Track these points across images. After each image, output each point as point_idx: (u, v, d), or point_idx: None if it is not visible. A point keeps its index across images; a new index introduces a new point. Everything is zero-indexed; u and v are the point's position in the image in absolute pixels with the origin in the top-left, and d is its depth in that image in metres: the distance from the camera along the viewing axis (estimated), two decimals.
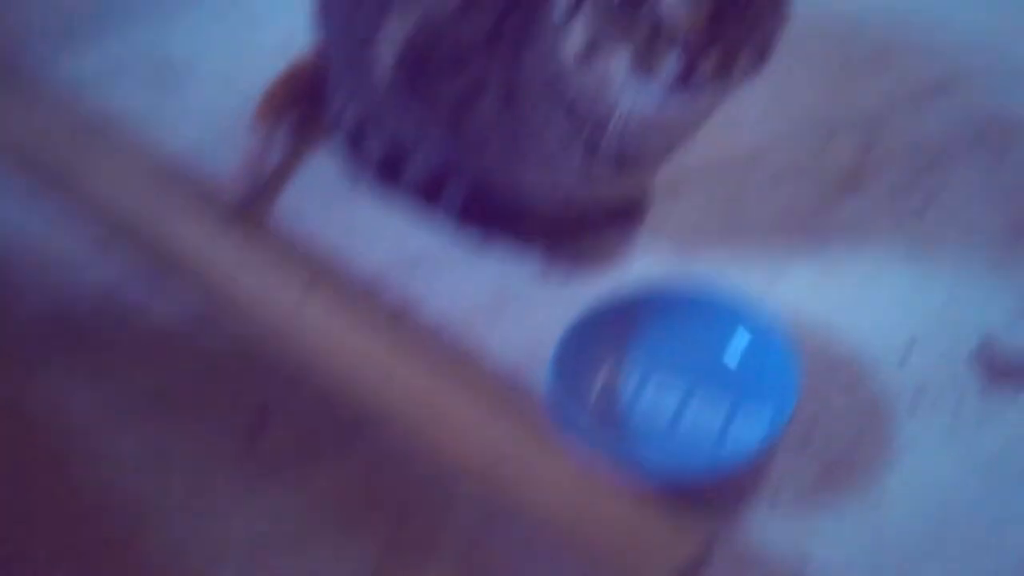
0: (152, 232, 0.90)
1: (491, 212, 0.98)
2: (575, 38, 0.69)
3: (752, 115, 1.04)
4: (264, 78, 1.14)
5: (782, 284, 0.93)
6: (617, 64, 0.68)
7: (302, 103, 1.10)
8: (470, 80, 0.82)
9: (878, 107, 1.09)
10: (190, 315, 0.92)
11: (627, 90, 0.69)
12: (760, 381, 0.83)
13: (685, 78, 0.65)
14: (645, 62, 0.66)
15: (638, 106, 0.70)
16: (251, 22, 1.30)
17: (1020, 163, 1.02)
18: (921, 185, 1.01)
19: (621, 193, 0.95)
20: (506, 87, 0.80)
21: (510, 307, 0.93)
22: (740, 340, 0.85)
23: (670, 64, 0.65)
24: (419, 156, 1.00)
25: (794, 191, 1.01)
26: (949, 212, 0.98)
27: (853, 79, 1.13)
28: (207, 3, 1.34)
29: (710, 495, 0.78)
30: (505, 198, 0.95)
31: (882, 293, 0.92)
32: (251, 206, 1.03)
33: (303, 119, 1.10)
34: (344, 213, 1.03)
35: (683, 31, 0.64)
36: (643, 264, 0.96)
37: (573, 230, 0.97)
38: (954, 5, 1.20)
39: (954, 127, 1.06)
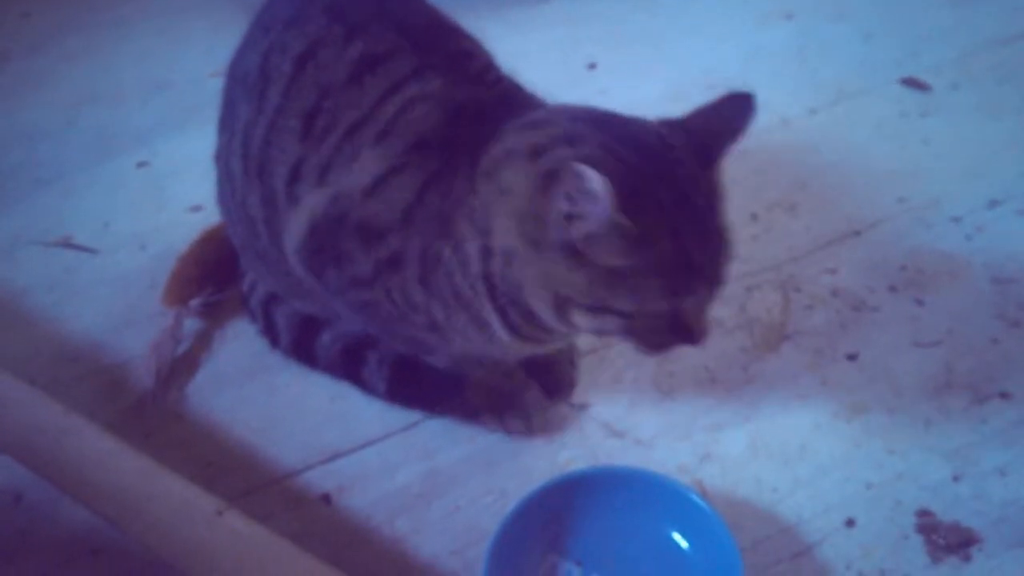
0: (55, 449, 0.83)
1: (420, 384, 0.94)
2: (585, 322, 0.71)
3: None
4: (174, 240, 1.11)
5: (716, 456, 0.91)
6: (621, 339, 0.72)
7: (211, 281, 1.06)
8: (389, 254, 0.78)
9: (793, 257, 1.10)
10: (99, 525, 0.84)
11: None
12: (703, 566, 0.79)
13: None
14: (655, 350, 0.72)
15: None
16: (159, 184, 1.29)
17: (938, 309, 1.03)
18: (845, 337, 1.01)
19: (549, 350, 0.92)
20: (424, 264, 0.77)
21: (440, 497, 0.88)
22: (677, 528, 0.83)
23: (681, 350, 0.72)
24: (332, 332, 0.97)
25: (721, 350, 1.00)
26: (875, 365, 0.98)
27: (768, 230, 1.14)
28: (111, 168, 1.32)
29: None
30: (433, 369, 0.92)
31: (815, 465, 0.90)
32: (162, 393, 0.99)
33: (213, 298, 1.06)
34: (260, 397, 0.98)
35: (699, 337, 0.71)
36: (576, 439, 0.93)
37: (508, 396, 0.93)
38: (855, 154, 1.24)
39: (870, 273, 1.08)
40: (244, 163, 0.85)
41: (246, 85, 0.85)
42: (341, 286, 0.83)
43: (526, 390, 0.95)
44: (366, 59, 0.79)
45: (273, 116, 0.82)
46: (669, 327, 0.70)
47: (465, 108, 0.76)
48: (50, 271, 1.15)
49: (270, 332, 1.01)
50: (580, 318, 0.70)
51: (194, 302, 1.03)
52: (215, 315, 1.06)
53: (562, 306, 0.70)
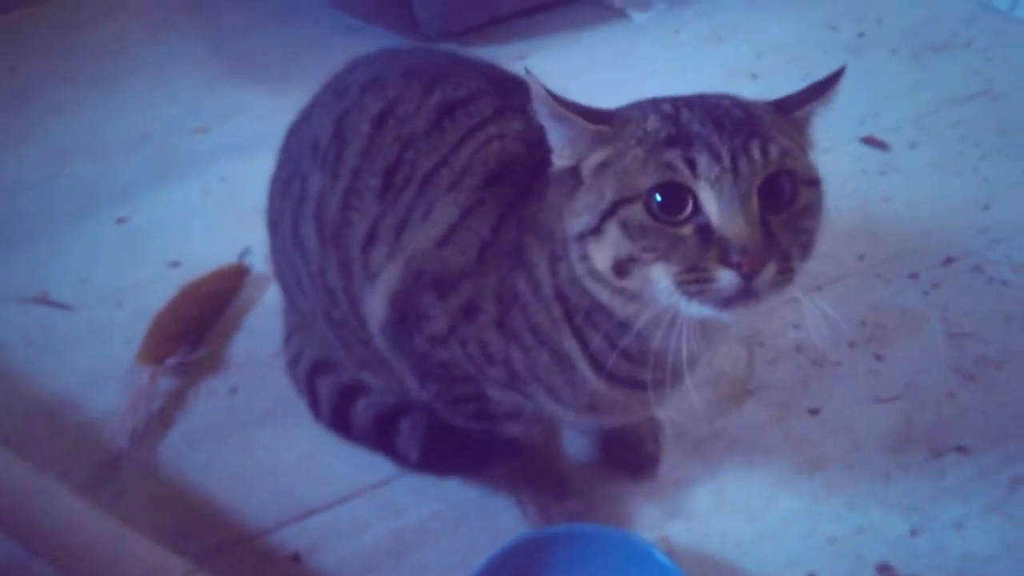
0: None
1: (456, 449, 0.91)
2: (604, 254, 0.63)
3: None
4: (151, 296, 1.13)
5: (682, 511, 0.93)
6: (657, 279, 0.62)
7: (187, 340, 1.08)
8: (463, 302, 0.75)
9: (757, 313, 1.12)
10: None
11: (671, 303, 0.62)
12: None
13: (745, 293, 0.60)
14: (696, 280, 0.60)
15: (686, 317, 0.63)
16: (138, 240, 1.31)
17: (897, 364, 1.06)
18: (808, 391, 1.04)
19: (632, 420, 0.88)
20: (500, 304, 0.74)
21: (409, 555, 0.89)
22: None
23: (727, 281, 0.59)
24: (366, 400, 0.94)
25: (688, 405, 1.02)
26: (837, 419, 1.00)
27: None
28: (91, 223, 1.34)
29: None
30: (468, 434, 0.89)
31: (778, 520, 0.92)
32: (136, 450, 0.99)
33: (188, 356, 1.07)
34: (233, 455, 0.99)
35: (739, 247, 0.58)
36: None
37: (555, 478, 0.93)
38: None
39: (831, 329, 1.10)
40: (318, 231, 0.83)
41: (316, 152, 0.84)
42: (423, 350, 0.80)
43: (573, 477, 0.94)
44: (446, 105, 0.79)
45: (351, 179, 0.80)
46: (698, 238, 0.60)
47: (543, 141, 0.70)
48: (27, 327, 1.17)
49: (315, 405, 0.99)
50: (600, 252, 0.63)
51: (170, 361, 1.04)
52: (189, 373, 1.08)
53: (584, 248, 0.64)
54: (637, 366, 0.72)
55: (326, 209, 0.82)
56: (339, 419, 0.96)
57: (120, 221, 1.34)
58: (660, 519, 0.92)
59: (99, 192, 1.41)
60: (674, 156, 0.60)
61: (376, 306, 0.81)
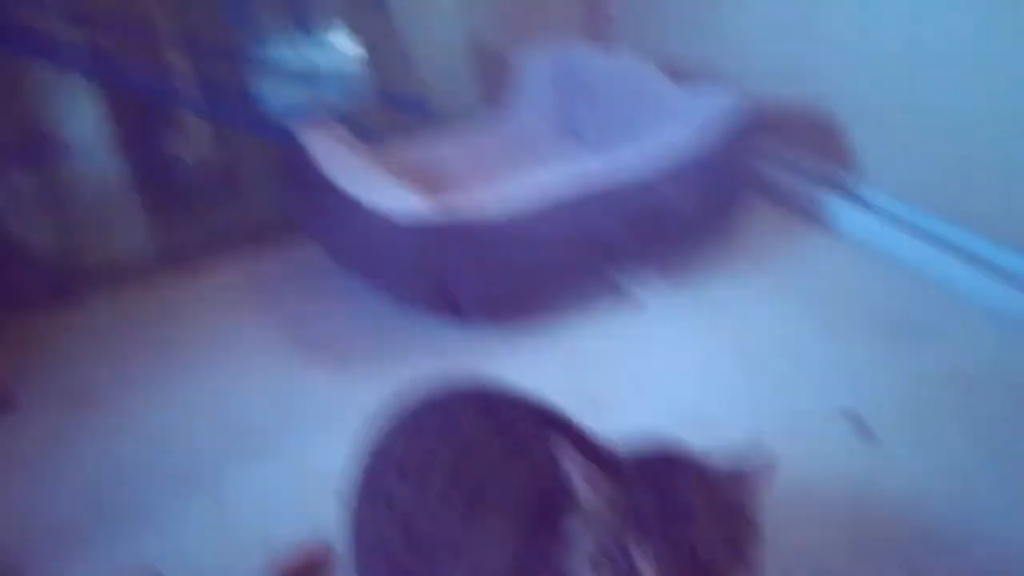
0: None
1: None
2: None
3: None
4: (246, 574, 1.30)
5: None
6: None
7: None
8: None
9: None
10: None
11: None
12: None
13: None
14: None
15: None
16: (226, 520, 1.48)
17: None
18: None
19: None
20: None
21: None
22: None
23: None
24: None
25: None
26: None
27: None
28: (191, 505, 1.52)
29: None
30: None
31: None
32: None
33: None
34: None
35: None
36: None
37: None
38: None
39: None
40: (406, 539, 1.00)
41: (402, 471, 1.02)
42: None
43: None
44: (512, 446, 1.00)
45: (437, 500, 0.99)
46: None
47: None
48: None
49: None
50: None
51: None
52: None
53: None
54: None
55: (415, 519, 1.00)
56: None
57: (212, 502, 1.53)
58: None
59: (194, 475, 1.60)
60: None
61: None
